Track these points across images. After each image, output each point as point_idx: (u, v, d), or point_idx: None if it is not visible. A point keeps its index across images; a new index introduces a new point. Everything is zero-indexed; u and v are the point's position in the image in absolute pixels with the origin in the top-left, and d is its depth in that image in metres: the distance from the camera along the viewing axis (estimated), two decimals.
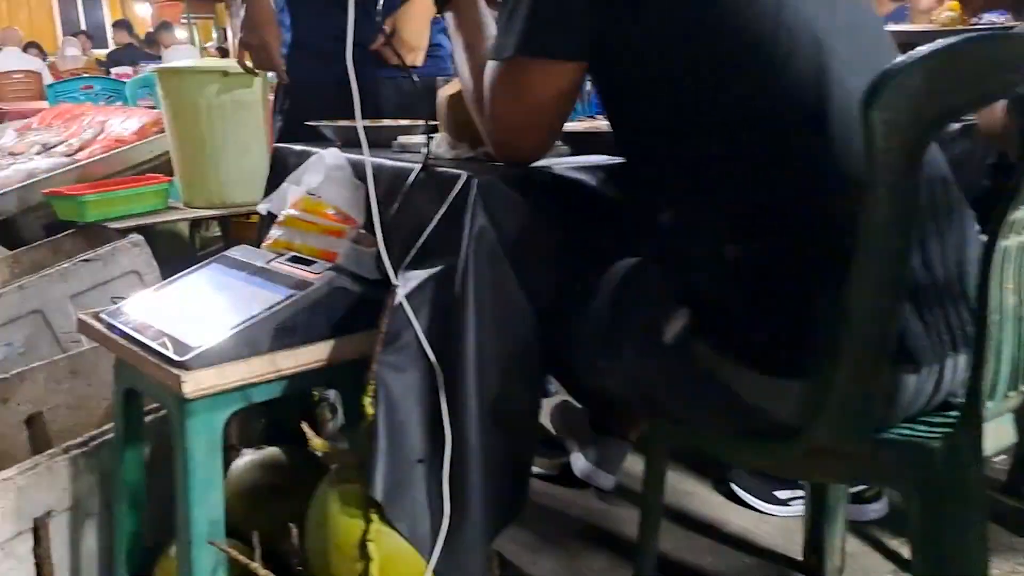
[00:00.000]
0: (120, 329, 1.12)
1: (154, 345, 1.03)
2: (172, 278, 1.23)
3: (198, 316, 1.08)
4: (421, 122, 1.45)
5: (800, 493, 1.47)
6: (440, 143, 1.22)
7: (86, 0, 14.69)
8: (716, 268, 0.87)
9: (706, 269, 0.88)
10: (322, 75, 1.61)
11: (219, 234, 2.90)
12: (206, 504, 1.02)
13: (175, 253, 2.74)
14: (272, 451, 1.31)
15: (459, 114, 1.15)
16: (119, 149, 2.55)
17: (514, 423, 1.01)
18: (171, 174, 2.62)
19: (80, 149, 2.83)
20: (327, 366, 1.07)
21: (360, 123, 1.05)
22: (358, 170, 1.26)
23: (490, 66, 1.00)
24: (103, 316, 1.16)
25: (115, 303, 1.22)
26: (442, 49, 1.71)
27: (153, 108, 4.45)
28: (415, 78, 1.54)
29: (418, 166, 1.11)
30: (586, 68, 0.97)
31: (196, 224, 2.70)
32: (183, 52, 8.55)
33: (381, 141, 1.37)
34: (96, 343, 1.21)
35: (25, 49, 8.46)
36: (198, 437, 1.01)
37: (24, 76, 7.69)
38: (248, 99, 2.38)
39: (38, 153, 3.01)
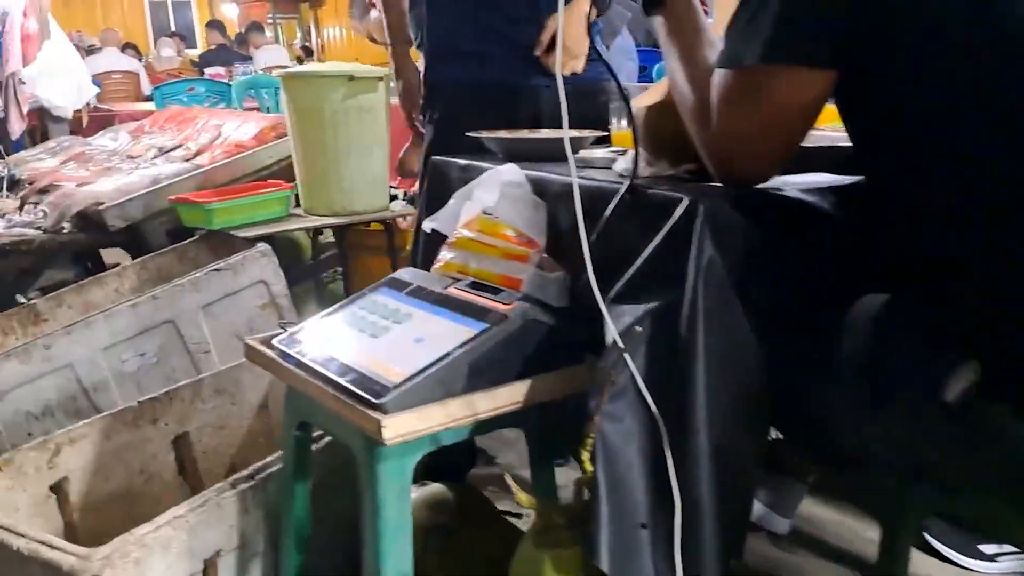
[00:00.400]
0: (295, 359, 1.05)
1: (343, 382, 0.95)
2: (343, 304, 1.15)
3: (384, 350, 1.00)
4: (603, 132, 1.36)
5: (1009, 548, 1.31)
6: (628, 160, 1.11)
7: (176, 1, 15.15)
8: (1019, 313, 0.74)
9: (1006, 316, 0.75)
10: (477, 80, 1.53)
11: (331, 240, 2.87)
12: (396, 554, 0.94)
13: (293, 261, 2.72)
14: (437, 489, 1.23)
15: (660, 128, 1.04)
16: (240, 155, 2.53)
17: (743, 478, 0.89)
18: (290, 180, 2.59)
19: (198, 153, 2.83)
20: (522, 409, 0.97)
21: (567, 133, 0.95)
22: (537, 187, 1.16)
23: (722, 75, 0.88)
24: (276, 344, 1.10)
25: (283, 328, 1.16)
26: (596, 53, 1.60)
27: (257, 110, 4.50)
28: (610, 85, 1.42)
29: (622, 185, 1.00)
30: (837, 78, 0.85)
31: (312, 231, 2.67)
32: (273, 52, 8.69)
33: (556, 154, 1.27)
34: (261, 367, 1.14)
35: (123, 50, 8.73)
36: (390, 483, 0.93)
37: (123, 76, 7.94)
38: (372, 104, 2.32)
39: (155, 157, 3.04)
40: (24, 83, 3.46)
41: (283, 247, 2.44)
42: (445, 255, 1.18)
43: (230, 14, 13.93)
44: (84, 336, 1.88)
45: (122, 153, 3.17)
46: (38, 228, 2.45)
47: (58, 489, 1.31)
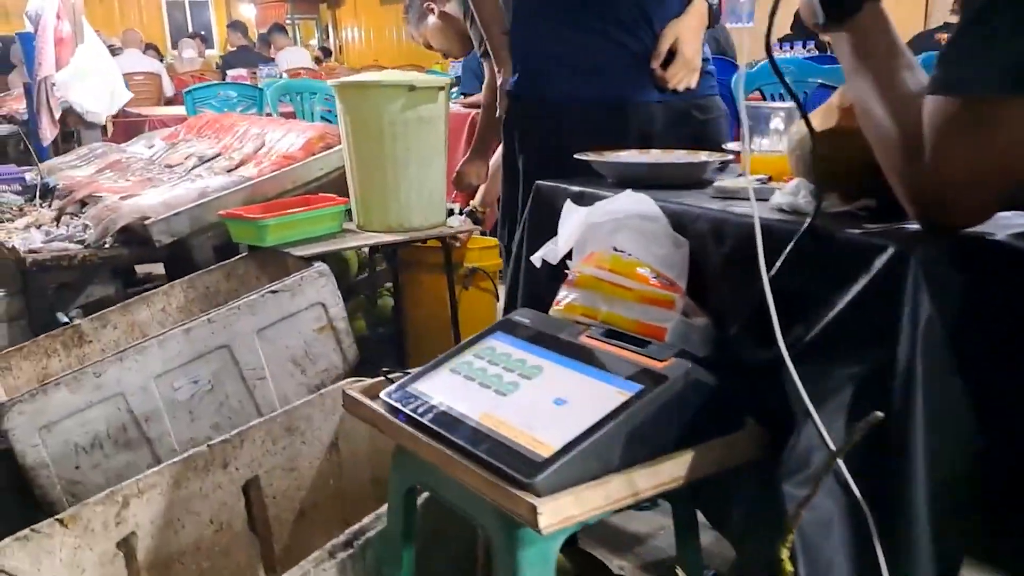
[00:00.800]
0: (410, 416, 0.93)
1: (479, 452, 0.82)
2: (454, 352, 1.02)
3: (519, 412, 0.87)
4: (725, 155, 1.22)
5: None
6: (790, 192, 0.98)
7: (193, 1, 15.09)
8: None
9: None
10: (584, 94, 1.39)
11: (379, 256, 2.74)
12: None
13: (339, 277, 2.59)
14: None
15: (834, 158, 0.91)
16: (290, 167, 2.41)
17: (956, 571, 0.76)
18: (340, 193, 2.46)
19: (241, 164, 2.72)
20: (684, 485, 0.84)
21: (746, 151, 0.82)
22: (672, 220, 1.03)
23: (939, 103, 0.75)
24: (385, 398, 0.97)
25: (387, 378, 1.03)
26: (709, 64, 1.46)
27: (292, 115, 4.38)
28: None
29: (801, 224, 0.87)
30: None
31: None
32: (294, 54, 8.60)
33: (683, 181, 1.14)
34: (365, 422, 1.02)
35: (144, 51, 8.65)
36: (533, 569, 0.81)
37: (145, 78, 7.84)
38: (432, 115, 2.20)
39: (195, 167, 2.93)
40: (56, 87, 3.35)
41: (328, 262, 2.32)
42: (567, 296, 1.05)
43: (248, 14, 13.87)
44: (136, 363, 1.76)
45: (159, 162, 3.06)
46: (79, 242, 2.33)
47: (125, 545, 1.19)
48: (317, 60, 10.00)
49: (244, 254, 2.24)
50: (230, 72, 7.71)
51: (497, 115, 2.27)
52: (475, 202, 2.39)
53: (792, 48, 3.82)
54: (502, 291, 2.84)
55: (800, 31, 4.30)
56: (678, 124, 1.41)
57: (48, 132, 3.42)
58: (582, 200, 1.16)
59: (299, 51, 8.85)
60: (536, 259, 1.13)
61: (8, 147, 7.23)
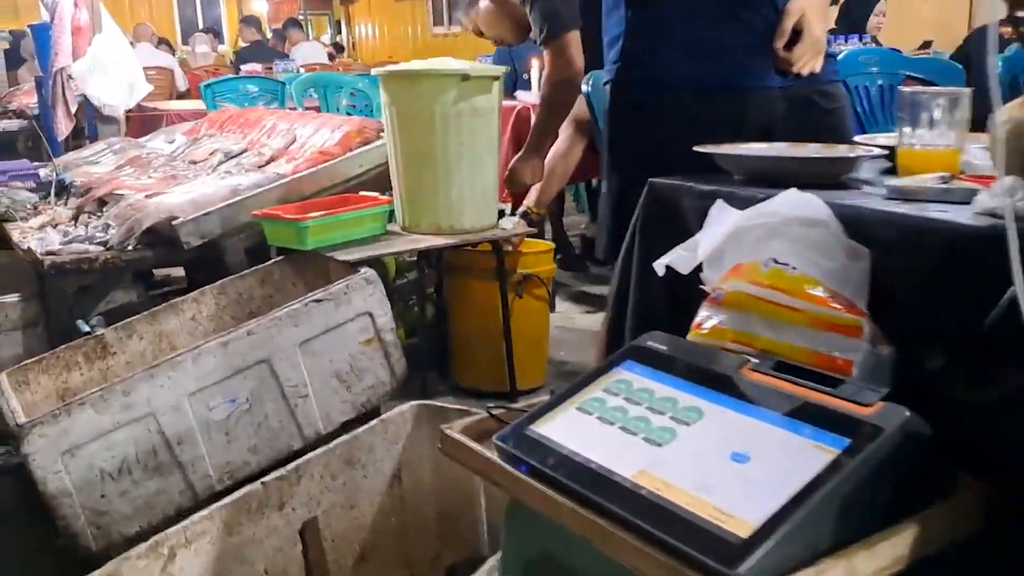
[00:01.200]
0: (535, 468, 0.75)
1: (644, 525, 0.64)
2: (579, 384, 0.84)
3: (686, 469, 0.69)
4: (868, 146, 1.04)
5: None
6: (1003, 192, 0.79)
7: None
8: None
9: None
10: (704, 77, 1.20)
11: (416, 260, 2.56)
12: None
13: None
14: None
15: None
16: (328, 163, 2.23)
17: None
18: (381, 191, 2.29)
19: (272, 160, 2.54)
20: (906, 569, 0.66)
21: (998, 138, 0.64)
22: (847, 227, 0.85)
23: None
24: (500, 444, 0.79)
25: (495, 418, 0.85)
26: (831, 46, 1.27)
27: (317, 109, 4.20)
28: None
29: None
30: None
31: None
32: (309, 49, 8.42)
33: (826, 179, 0.96)
34: (473, 471, 0.84)
35: (156, 46, 8.49)
36: None
37: (157, 73, 7.66)
38: (486, 107, 2.02)
39: (220, 162, 2.75)
40: (72, 79, 3.18)
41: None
42: (711, 317, 0.87)
43: (260, 9, 13.71)
44: (169, 380, 1.59)
45: (182, 158, 2.89)
46: (100, 243, 2.15)
47: None
48: (330, 56, 9.83)
49: (279, 257, 2.06)
50: (244, 67, 7.54)
51: (555, 110, 2.09)
52: (529, 202, 2.21)
53: (846, 41, 3.63)
54: (557, 301, 2.66)
55: (845, 25, 4.12)
56: (800, 113, 1.23)
57: (63, 126, 3.25)
58: (712, 201, 0.97)
59: (314, 46, 8.68)
60: (659, 266, 0.94)
61: (18, 142, 7.10)
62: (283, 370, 1.71)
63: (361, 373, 1.81)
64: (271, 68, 7.71)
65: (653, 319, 0.99)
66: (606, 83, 1.28)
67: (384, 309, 1.82)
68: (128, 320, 1.92)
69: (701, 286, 0.91)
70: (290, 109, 4.25)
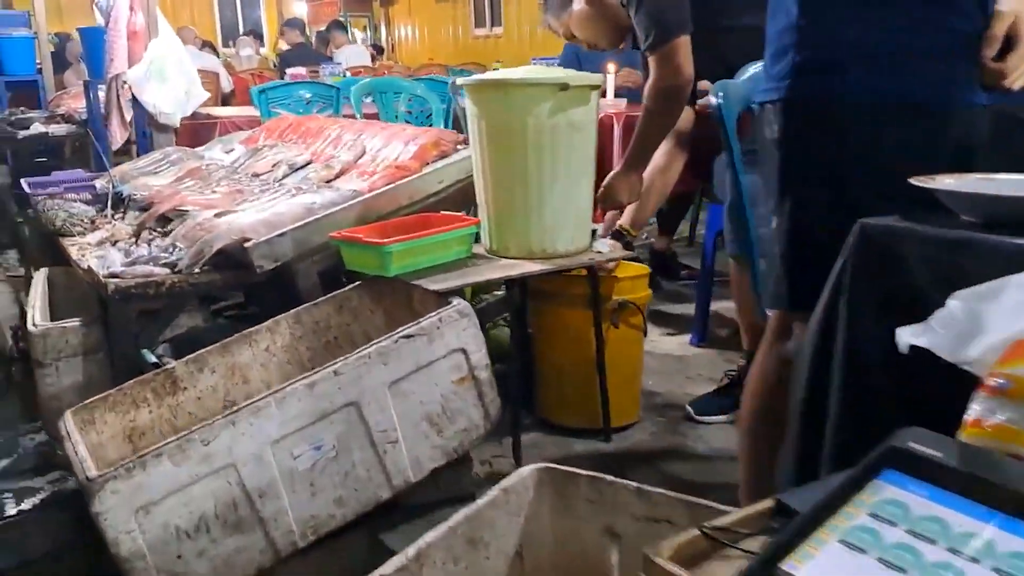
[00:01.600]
0: None
1: None
2: (831, 500, 0.66)
3: None
4: None
5: None
6: None
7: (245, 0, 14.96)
8: None
9: None
10: (888, 94, 1.01)
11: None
12: None
13: None
14: None
15: None
16: (406, 179, 2.06)
17: None
18: (457, 209, 2.12)
19: (341, 173, 2.38)
20: None
21: None
22: None
23: None
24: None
25: (715, 540, 0.67)
26: None
27: (376, 117, 4.05)
28: None
29: None
30: None
31: None
32: (353, 52, 8.33)
33: None
34: None
35: (200, 48, 8.45)
36: None
37: (202, 76, 7.61)
38: (584, 120, 1.84)
39: (285, 176, 2.60)
40: (128, 86, 3.06)
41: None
42: (995, 412, 0.68)
43: (299, 11, 13.69)
44: (251, 427, 1.43)
45: (243, 170, 2.75)
46: (166, 265, 2.01)
47: None
48: (372, 58, 9.73)
49: (357, 283, 1.90)
50: (289, 70, 7.45)
51: (661, 122, 1.90)
52: (624, 222, 2.03)
53: None
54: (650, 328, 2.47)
55: None
56: (1011, 136, 1.03)
57: (118, 135, 3.13)
58: (960, 254, 0.78)
59: (358, 49, 8.57)
60: (903, 343, 0.75)
61: (65, 147, 7.07)
62: (372, 413, 1.55)
63: (453, 415, 1.64)
64: (316, 71, 7.62)
65: (874, 403, 0.79)
66: (773, 102, 1.09)
67: (478, 344, 1.65)
68: (199, 353, 1.77)
69: (963, 366, 0.72)
70: (345, 116, 4.11)
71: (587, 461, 1.93)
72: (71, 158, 7.69)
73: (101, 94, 5.53)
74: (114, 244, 2.45)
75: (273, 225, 1.95)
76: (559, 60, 3.60)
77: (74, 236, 2.62)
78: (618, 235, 2.02)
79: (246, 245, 1.90)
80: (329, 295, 1.89)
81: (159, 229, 2.40)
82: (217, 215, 2.02)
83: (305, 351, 1.88)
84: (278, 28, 13.54)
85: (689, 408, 2.10)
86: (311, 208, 2.00)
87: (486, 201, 1.91)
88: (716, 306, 2.71)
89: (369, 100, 4.29)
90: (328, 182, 2.38)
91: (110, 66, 3.01)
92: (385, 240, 1.76)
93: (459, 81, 1.90)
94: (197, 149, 3.18)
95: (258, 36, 10.53)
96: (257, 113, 4.13)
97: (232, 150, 3.16)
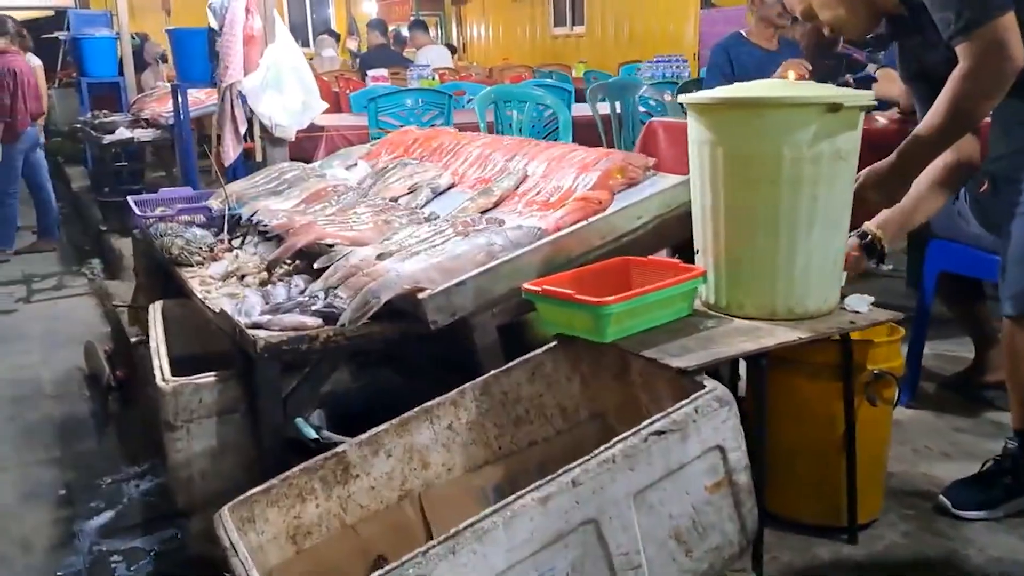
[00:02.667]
0: None
1: None
2: None
3: None
4: None
5: None
6: None
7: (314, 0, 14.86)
8: None
9: None
10: None
11: None
12: None
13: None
14: None
15: None
16: (602, 215, 1.72)
17: None
18: (648, 250, 1.77)
19: (500, 202, 2.05)
20: None
21: None
22: None
23: None
24: None
25: None
26: None
27: (491, 130, 3.72)
28: None
29: None
30: None
31: None
32: (436, 53, 8.04)
33: None
34: None
35: None
36: None
37: None
38: (849, 147, 1.46)
39: (427, 201, 2.29)
40: (243, 96, 2.79)
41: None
42: None
43: (369, 11, 13.51)
44: (474, 556, 1.10)
45: (375, 193, 2.44)
46: (317, 314, 1.70)
47: None
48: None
49: (551, 345, 1.56)
50: (370, 72, 7.21)
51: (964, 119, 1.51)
52: (871, 225, 1.65)
53: None
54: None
55: None
56: None
57: (231, 150, 2.86)
58: None
59: (440, 49, 8.28)
60: None
61: (145, 152, 6.91)
62: (613, 532, 1.20)
63: (705, 530, 1.29)
64: (397, 73, 7.36)
65: None
66: None
67: (738, 440, 1.29)
68: (374, 433, 1.45)
69: None
70: (454, 127, 3.80)
71: (835, 572, 1.56)
72: (152, 162, 7.59)
73: (195, 97, 5.34)
74: (242, 279, 2.16)
75: (449, 272, 1.62)
76: (712, 57, 3.20)
77: (192, 266, 2.35)
78: (863, 237, 1.64)
79: (420, 296, 1.58)
80: (520, 360, 1.55)
81: (292, 263, 2.11)
82: (379, 257, 1.70)
83: (492, 427, 1.54)
84: (347, 28, 13.41)
85: (944, 499, 1.71)
86: (491, 251, 1.66)
87: (714, 247, 1.54)
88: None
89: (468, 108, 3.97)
90: (484, 211, 2.06)
91: (224, 74, 2.74)
92: (606, 299, 1.41)
93: (684, 98, 1.55)
94: (314, 165, 2.88)
95: (334, 35, 10.33)
96: (362, 122, 3.84)
97: (353, 165, 2.86)
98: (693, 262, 1.62)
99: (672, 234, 1.82)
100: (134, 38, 8.18)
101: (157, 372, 1.82)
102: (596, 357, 1.55)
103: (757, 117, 1.44)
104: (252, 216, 2.46)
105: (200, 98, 5.80)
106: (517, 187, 2.10)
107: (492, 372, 1.53)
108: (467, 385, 1.51)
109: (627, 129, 3.52)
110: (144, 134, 6.08)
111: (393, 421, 1.46)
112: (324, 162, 2.93)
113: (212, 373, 1.77)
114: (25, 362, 3.72)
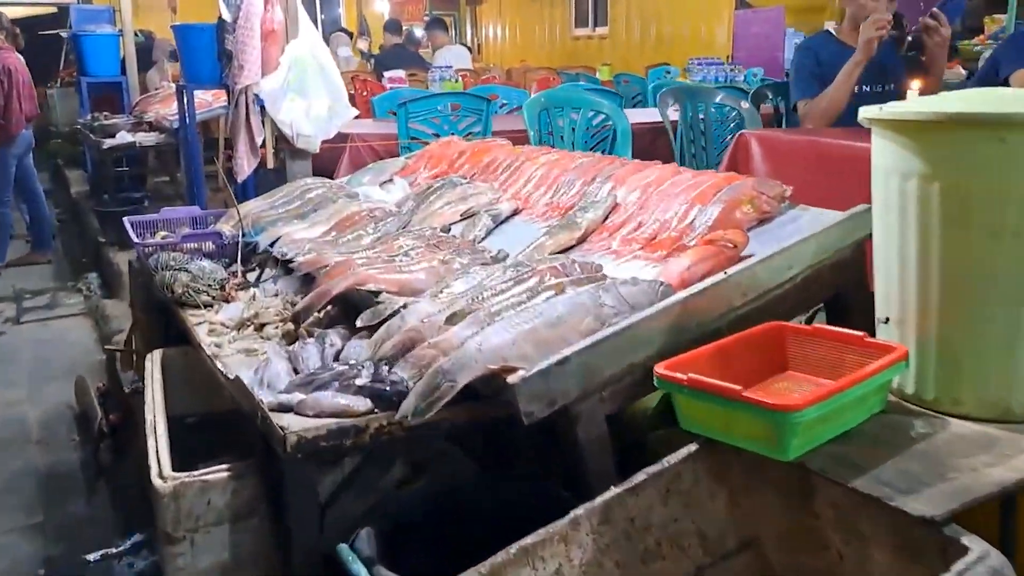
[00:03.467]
0: None
1: None
2: None
3: None
4: None
5: None
6: None
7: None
8: None
9: None
10: None
11: None
12: None
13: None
14: None
15: None
16: (743, 266, 1.29)
17: None
18: (790, 314, 1.35)
19: (586, 236, 1.63)
20: None
21: None
22: None
23: None
24: None
25: None
26: None
27: (525, 140, 3.29)
28: None
29: None
30: None
31: None
32: (454, 53, 7.62)
33: None
34: None
35: None
36: None
37: None
38: None
39: (488, 232, 1.87)
40: (260, 99, 2.37)
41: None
42: None
43: (381, 9, 13.09)
44: None
45: (420, 219, 2.01)
46: (363, 391, 1.28)
47: None
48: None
49: (690, 452, 1.14)
50: (387, 74, 6.79)
51: None
52: None
53: None
54: None
55: None
56: None
57: (246, 164, 2.44)
58: None
59: (459, 50, 7.86)
60: None
61: (147, 158, 6.47)
62: None
63: None
64: (415, 75, 6.94)
65: None
66: None
67: None
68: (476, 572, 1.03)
69: None
70: (492, 138, 3.38)
71: None
72: (154, 166, 7.17)
73: (201, 99, 4.92)
74: (260, 329, 1.75)
75: (547, 344, 1.19)
76: (793, 67, 2.77)
77: (199, 307, 1.94)
78: None
79: (510, 380, 1.16)
80: (650, 474, 1.12)
81: (324, 308, 1.69)
82: (448, 320, 1.27)
83: (614, 567, 1.12)
84: (357, 27, 12.99)
85: None
86: (599, 314, 1.23)
87: (920, 318, 1.12)
88: None
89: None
90: (566, 250, 1.63)
91: (239, 75, 2.32)
92: (790, 401, 0.99)
93: (869, 113, 1.12)
94: (340, 182, 2.46)
95: (348, 34, 9.93)
96: (389, 129, 3.42)
97: (388, 182, 2.44)
98: (869, 331, 1.20)
99: (823, 289, 1.40)
100: (138, 35, 7.75)
101: (153, 462, 1.40)
102: (752, 465, 1.13)
103: (1001, 141, 1.02)
104: (272, 245, 2.05)
105: (207, 100, 5.39)
106: (605, 218, 1.68)
107: (614, 492, 1.10)
108: (581, 512, 1.09)
109: (712, 142, 3.08)
110: (147, 138, 5.66)
111: (481, 569, 1.03)
112: (353, 178, 2.51)
113: (224, 467, 1.35)
114: (11, 397, 3.31)
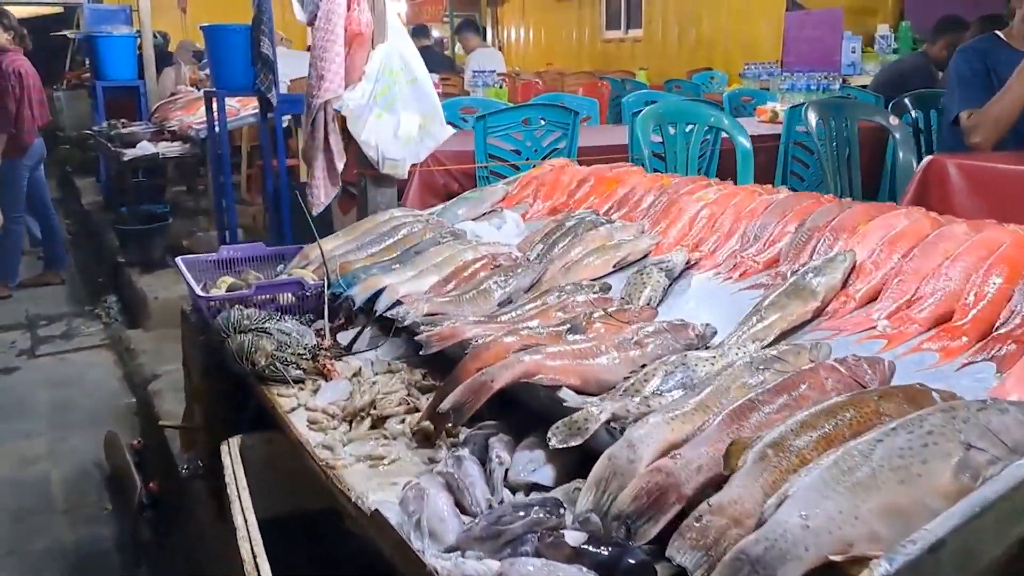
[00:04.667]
0: None
1: None
2: None
3: None
4: None
5: None
6: None
7: None
8: None
9: None
10: None
11: None
12: None
13: None
14: None
15: None
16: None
17: None
18: None
19: (822, 309, 1.22)
20: None
21: None
22: None
23: None
24: None
25: None
26: None
27: (624, 158, 2.88)
28: None
29: None
30: None
31: None
32: (487, 57, 7.19)
33: None
34: None
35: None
36: None
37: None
38: None
39: (659, 301, 1.45)
40: (340, 115, 1.96)
41: None
42: None
43: (397, 9, 12.67)
44: None
45: (556, 268, 1.60)
46: (578, 557, 0.87)
47: None
48: None
49: None
50: None
51: None
52: None
53: None
54: None
55: None
56: None
57: (323, 193, 2.02)
58: None
59: (493, 53, 7.44)
60: None
61: (167, 169, 6.02)
62: None
63: None
64: (448, 79, 6.52)
65: None
66: None
67: None
68: None
69: None
70: (576, 162, 2.97)
71: None
72: (172, 175, 6.73)
73: (229, 106, 4.50)
74: (381, 423, 1.33)
75: (899, 515, 0.78)
76: (955, 74, 2.36)
77: (287, 383, 1.53)
78: None
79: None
80: None
81: (461, 404, 1.27)
82: (731, 463, 0.86)
83: None
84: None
85: None
86: (966, 461, 0.82)
87: None
88: None
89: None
90: (797, 327, 1.22)
91: (319, 87, 1.90)
92: None
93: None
94: (433, 216, 2.05)
95: None
96: (459, 145, 3.00)
97: (489, 213, 2.04)
98: None
99: None
100: (156, 37, 7.32)
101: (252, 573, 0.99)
102: None
103: None
104: (372, 300, 1.64)
105: (233, 107, 4.98)
106: (844, 283, 1.27)
107: None
108: None
109: (856, 164, 2.61)
110: (170, 149, 5.21)
111: None
112: (446, 210, 2.10)
113: None
114: (29, 452, 2.90)
